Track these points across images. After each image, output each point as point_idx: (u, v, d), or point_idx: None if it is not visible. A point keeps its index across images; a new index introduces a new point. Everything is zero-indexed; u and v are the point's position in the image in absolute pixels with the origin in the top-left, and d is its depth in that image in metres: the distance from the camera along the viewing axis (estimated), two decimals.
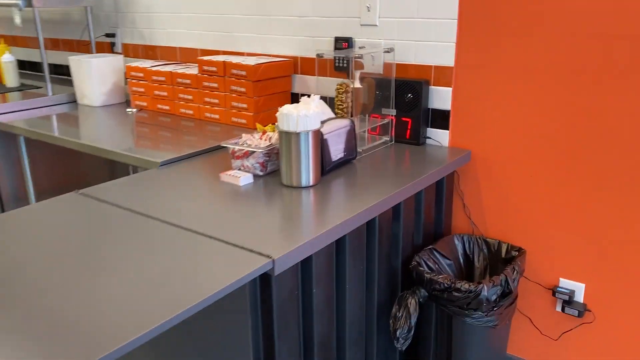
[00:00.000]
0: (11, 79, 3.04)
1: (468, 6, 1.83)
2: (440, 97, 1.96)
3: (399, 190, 1.59)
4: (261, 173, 1.66)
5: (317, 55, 1.82)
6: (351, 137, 1.77)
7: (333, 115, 1.77)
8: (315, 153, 1.58)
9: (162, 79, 2.47)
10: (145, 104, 2.59)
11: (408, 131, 2.00)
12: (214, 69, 2.28)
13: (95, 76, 2.67)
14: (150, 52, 2.90)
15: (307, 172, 1.57)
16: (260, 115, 2.23)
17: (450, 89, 1.94)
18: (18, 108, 2.66)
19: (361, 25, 2.09)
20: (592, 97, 1.67)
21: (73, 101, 2.82)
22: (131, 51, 2.98)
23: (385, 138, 2.04)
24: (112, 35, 3.03)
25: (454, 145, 1.99)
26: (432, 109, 2.00)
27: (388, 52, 1.96)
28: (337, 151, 1.71)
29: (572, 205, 1.78)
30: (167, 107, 2.52)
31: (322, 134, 1.63)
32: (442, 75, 1.94)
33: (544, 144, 1.79)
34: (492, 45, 1.81)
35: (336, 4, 2.13)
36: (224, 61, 2.24)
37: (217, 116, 2.34)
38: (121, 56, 2.78)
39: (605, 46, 1.61)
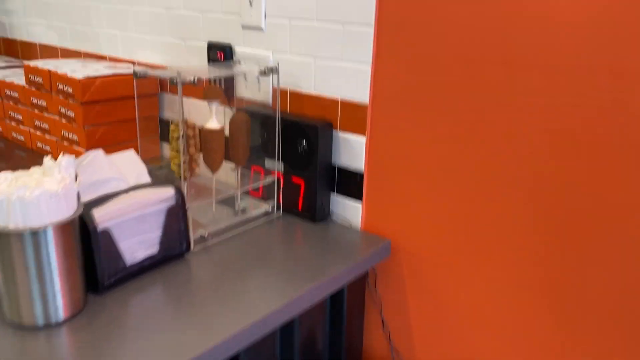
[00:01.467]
0: None
1: (392, 6, 1.08)
2: (351, 150, 1.22)
3: (263, 315, 0.85)
4: None
5: (135, 74, 1.09)
6: (175, 219, 1.04)
7: (144, 179, 1.03)
8: (70, 263, 0.85)
9: None
10: None
11: (301, 199, 1.26)
12: (40, 80, 1.55)
13: None
14: (10, 48, 2.17)
15: (51, 300, 0.84)
16: None
17: (364, 139, 1.20)
18: None
19: (242, 27, 1.35)
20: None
21: None
22: (19, 50, 2.25)
23: (265, 207, 1.30)
24: None
25: (369, 228, 1.24)
26: (339, 168, 1.26)
27: (265, 73, 1.22)
28: (138, 247, 0.98)
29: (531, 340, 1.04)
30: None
31: (94, 223, 0.90)
32: (353, 115, 1.20)
33: (495, 231, 1.05)
34: (429, 69, 1.06)
35: None
36: (49, 70, 1.51)
37: (48, 148, 1.61)
38: None
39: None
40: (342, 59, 1.18)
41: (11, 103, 1.70)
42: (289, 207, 1.29)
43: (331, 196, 1.28)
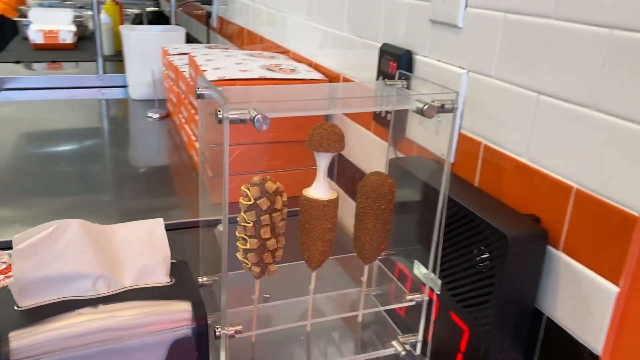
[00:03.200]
0: (108, 45, 2.47)
1: None
2: (580, 298, 0.56)
3: None
4: None
5: (197, 94, 0.64)
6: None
7: (155, 278, 0.58)
8: None
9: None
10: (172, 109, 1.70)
11: (460, 355, 0.66)
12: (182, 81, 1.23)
13: (135, 57, 1.87)
14: (250, 40, 1.95)
15: None
16: None
17: (615, 288, 0.53)
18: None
19: (431, 22, 0.78)
20: None
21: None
22: (230, 32, 2.08)
23: (399, 347, 0.73)
24: (208, 3, 2.19)
25: None
26: (548, 322, 0.61)
27: (442, 108, 0.63)
28: None
29: None
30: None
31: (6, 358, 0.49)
32: (601, 228, 0.54)
33: None
34: None
35: None
36: (177, 68, 1.17)
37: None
38: (182, 32, 1.92)
39: None
40: (594, 103, 0.53)
41: (182, 97, 1.45)
42: (440, 353, 0.70)
43: None
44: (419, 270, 0.72)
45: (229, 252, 0.62)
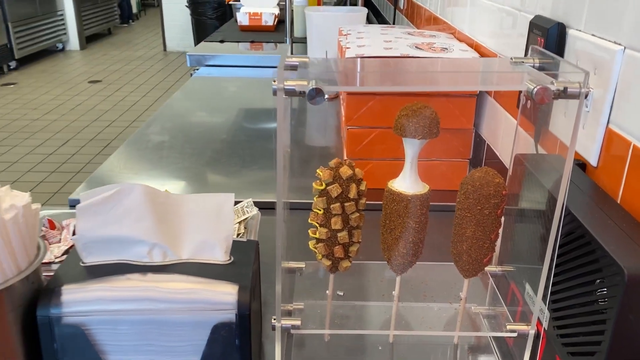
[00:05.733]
0: (301, 26, 2.57)
1: None
2: None
3: None
4: None
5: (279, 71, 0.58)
6: (227, 352, 0.53)
7: (213, 254, 0.56)
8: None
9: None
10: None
11: None
12: None
13: (316, 37, 1.90)
14: (427, 21, 1.87)
15: None
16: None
17: None
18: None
19: None
20: None
21: None
22: (412, 13, 2.00)
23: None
24: None
25: None
26: None
27: (564, 93, 0.47)
28: None
29: None
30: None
31: (52, 310, 0.51)
32: None
33: None
34: None
35: None
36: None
37: None
38: (363, 12, 1.89)
39: None
40: None
41: None
42: None
43: None
44: (529, 296, 0.58)
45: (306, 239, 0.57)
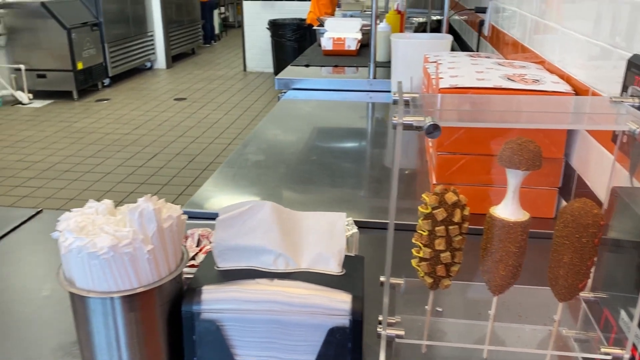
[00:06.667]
0: (383, 52, 2.65)
1: None
2: None
3: None
4: None
5: (392, 100, 0.65)
6: (339, 353, 0.60)
7: (328, 266, 0.63)
8: (148, 346, 0.60)
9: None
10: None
11: None
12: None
13: (400, 63, 1.97)
14: (514, 49, 1.89)
15: None
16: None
17: None
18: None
19: None
20: None
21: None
22: (498, 40, 2.02)
23: None
24: (482, 11, 2.16)
25: None
26: None
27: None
28: None
29: None
30: None
31: (194, 305, 0.60)
32: None
33: None
34: None
35: None
36: (431, 76, 1.18)
37: None
38: (448, 40, 1.94)
39: None
40: None
41: None
42: None
43: None
44: (624, 322, 0.61)
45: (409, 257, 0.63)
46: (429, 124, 0.53)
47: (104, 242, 0.55)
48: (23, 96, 5.60)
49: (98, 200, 0.63)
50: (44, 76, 5.70)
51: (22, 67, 5.56)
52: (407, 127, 0.54)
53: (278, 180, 1.27)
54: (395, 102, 0.65)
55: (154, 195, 0.61)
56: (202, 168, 3.96)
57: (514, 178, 0.61)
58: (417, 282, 0.68)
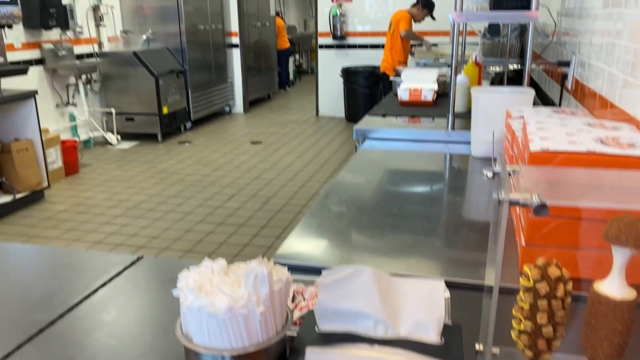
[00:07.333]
0: (461, 102, 2.66)
1: None
2: None
3: None
4: None
5: (493, 173, 0.67)
6: None
7: (427, 335, 0.64)
8: None
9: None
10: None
11: None
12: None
13: (480, 116, 1.98)
14: (601, 105, 1.86)
15: None
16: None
17: None
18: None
19: None
20: None
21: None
22: (583, 96, 1.99)
23: None
24: (566, 65, 2.14)
25: None
26: None
27: None
28: None
29: None
30: None
31: None
32: None
33: None
34: None
35: None
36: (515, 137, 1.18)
37: None
38: (530, 94, 1.93)
39: None
40: None
41: (514, 161, 1.47)
42: None
43: None
44: None
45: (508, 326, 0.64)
46: (537, 203, 0.54)
47: (222, 303, 0.59)
48: (112, 138, 6.01)
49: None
50: (132, 119, 6.10)
51: (113, 110, 5.98)
52: (514, 203, 0.56)
53: (362, 233, 1.30)
54: (495, 174, 0.67)
55: (263, 257, 0.65)
56: (276, 210, 4.06)
57: (621, 256, 0.60)
58: (513, 350, 0.67)
